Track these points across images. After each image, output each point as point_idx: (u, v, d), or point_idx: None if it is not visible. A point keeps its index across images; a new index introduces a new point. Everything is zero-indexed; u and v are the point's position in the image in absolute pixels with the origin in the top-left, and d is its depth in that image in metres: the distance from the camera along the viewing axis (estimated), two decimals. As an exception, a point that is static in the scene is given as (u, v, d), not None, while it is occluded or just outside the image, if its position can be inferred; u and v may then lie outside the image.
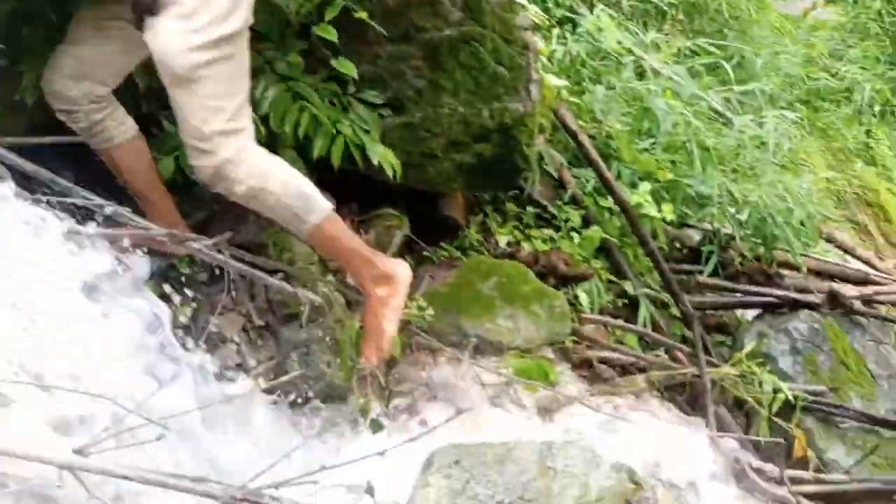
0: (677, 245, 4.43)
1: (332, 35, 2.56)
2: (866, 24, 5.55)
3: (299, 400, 2.61)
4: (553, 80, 3.33)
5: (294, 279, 2.85)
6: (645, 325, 3.80)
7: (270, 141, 2.63)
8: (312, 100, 2.65)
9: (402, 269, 2.40)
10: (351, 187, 3.18)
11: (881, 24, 5.53)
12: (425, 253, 3.54)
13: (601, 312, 3.85)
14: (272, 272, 2.85)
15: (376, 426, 2.47)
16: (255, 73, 2.68)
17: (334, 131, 2.62)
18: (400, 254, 3.35)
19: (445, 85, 2.91)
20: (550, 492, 2.59)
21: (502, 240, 3.70)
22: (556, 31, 3.93)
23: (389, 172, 2.74)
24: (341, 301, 2.75)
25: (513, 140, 3.05)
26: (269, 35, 2.78)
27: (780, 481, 3.10)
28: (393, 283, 2.37)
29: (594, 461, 2.76)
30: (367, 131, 2.75)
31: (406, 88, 2.85)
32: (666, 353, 3.76)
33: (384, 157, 2.72)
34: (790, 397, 3.30)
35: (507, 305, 3.39)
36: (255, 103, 2.59)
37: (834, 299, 3.74)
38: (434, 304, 3.35)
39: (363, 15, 2.59)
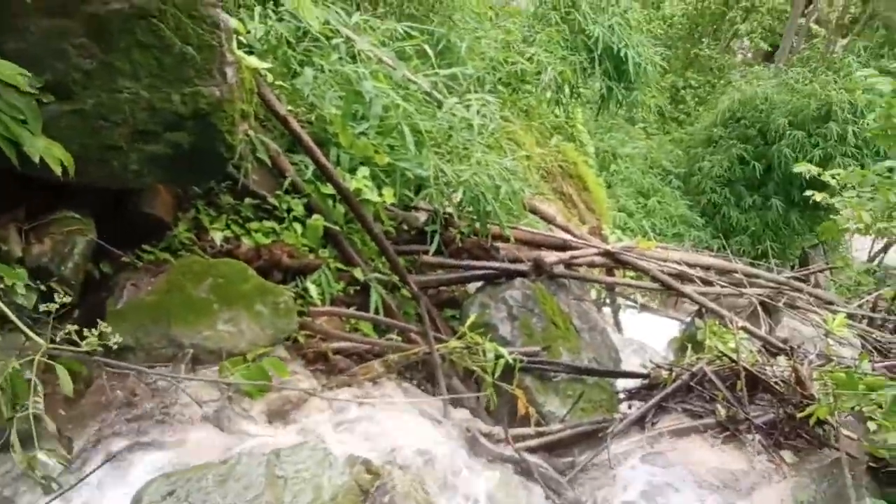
0: (405, 227, 4.50)
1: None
2: (548, 13, 6.22)
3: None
4: (254, 62, 3.10)
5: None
6: (377, 311, 3.79)
7: None
8: (-65, 84, 2.12)
9: None
10: (16, 189, 2.66)
11: (559, 13, 6.24)
12: (125, 259, 3.11)
13: (333, 303, 3.77)
14: None
15: (48, 485, 2.05)
16: None
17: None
18: (90, 262, 2.90)
19: (121, 66, 2.53)
20: (281, 502, 2.45)
21: (217, 236, 3.40)
22: (257, 9, 3.69)
23: (57, 169, 2.31)
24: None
25: (212, 128, 2.78)
26: None
27: (506, 441, 3.31)
28: None
29: (326, 460, 2.66)
30: (22, 122, 2.28)
31: (71, 70, 2.43)
32: (400, 335, 3.80)
33: (48, 152, 2.29)
34: (510, 361, 3.54)
35: (226, 308, 3.12)
36: None
37: (538, 266, 4.10)
38: (140, 316, 2.96)
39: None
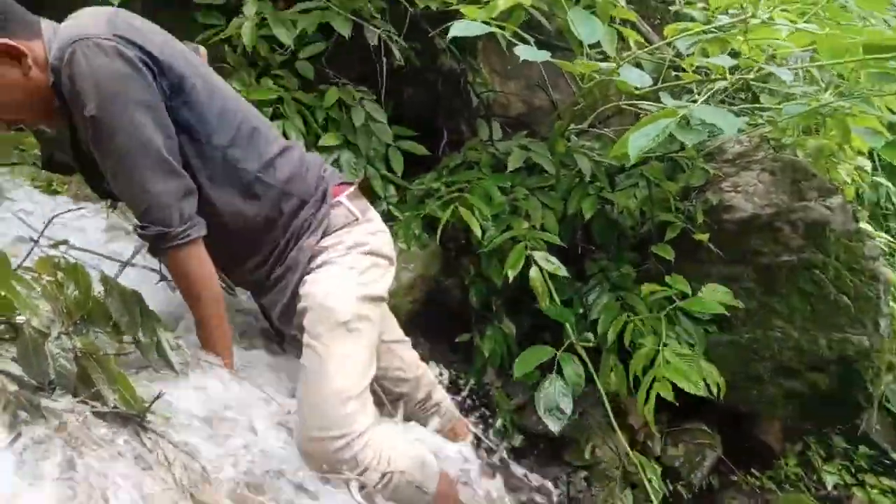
0: None
1: (669, 254, 2.70)
2: None
3: None
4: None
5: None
6: None
7: (596, 345, 2.78)
8: (639, 310, 2.76)
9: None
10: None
11: None
12: (733, 478, 3.26)
13: None
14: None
15: None
16: (589, 280, 2.94)
17: (657, 347, 2.66)
18: (708, 475, 3.15)
19: (778, 308, 2.82)
20: None
21: (829, 480, 3.27)
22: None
23: (713, 389, 2.67)
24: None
25: (855, 374, 2.78)
26: (604, 245, 3.04)
27: None
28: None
29: None
30: (691, 346, 2.75)
31: (735, 308, 2.82)
32: None
33: (709, 374, 2.67)
34: None
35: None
36: (587, 308, 2.81)
37: None
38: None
39: (703, 238, 2.70)
